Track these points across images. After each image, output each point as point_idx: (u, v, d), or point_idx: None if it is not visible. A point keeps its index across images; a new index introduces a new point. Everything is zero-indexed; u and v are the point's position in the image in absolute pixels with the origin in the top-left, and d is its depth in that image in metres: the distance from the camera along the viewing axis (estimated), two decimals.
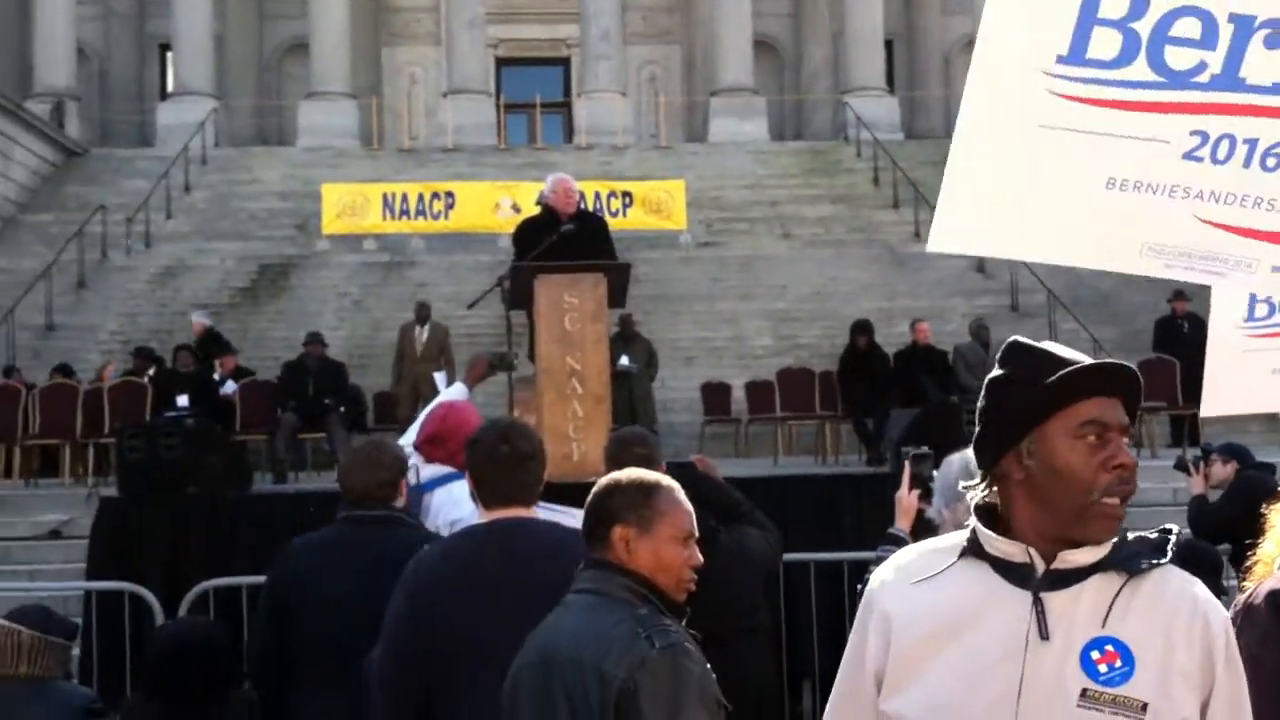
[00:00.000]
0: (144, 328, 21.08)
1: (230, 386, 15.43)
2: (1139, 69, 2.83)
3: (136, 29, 35.80)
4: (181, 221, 25.68)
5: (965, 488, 2.20)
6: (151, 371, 16.30)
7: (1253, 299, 3.79)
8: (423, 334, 16.28)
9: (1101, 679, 1.96)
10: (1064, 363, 2.07)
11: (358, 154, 29.30)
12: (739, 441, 16.71)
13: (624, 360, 15.84)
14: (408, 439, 5.41)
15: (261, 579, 4.85)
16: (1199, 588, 2.09)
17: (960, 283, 22.47)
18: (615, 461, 4.53)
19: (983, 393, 2.16)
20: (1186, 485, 8.00)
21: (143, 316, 21.71)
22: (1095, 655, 1.97)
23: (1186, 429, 14.36)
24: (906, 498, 4.79)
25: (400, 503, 4.50)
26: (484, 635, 3.41)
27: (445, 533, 4.73)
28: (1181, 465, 7.94)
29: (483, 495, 3.73)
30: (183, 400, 14.14)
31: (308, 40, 31.98)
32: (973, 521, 2.12)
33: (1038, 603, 1.99)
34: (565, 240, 9.21)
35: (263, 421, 14.97)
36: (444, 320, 17.07)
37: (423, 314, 16.47)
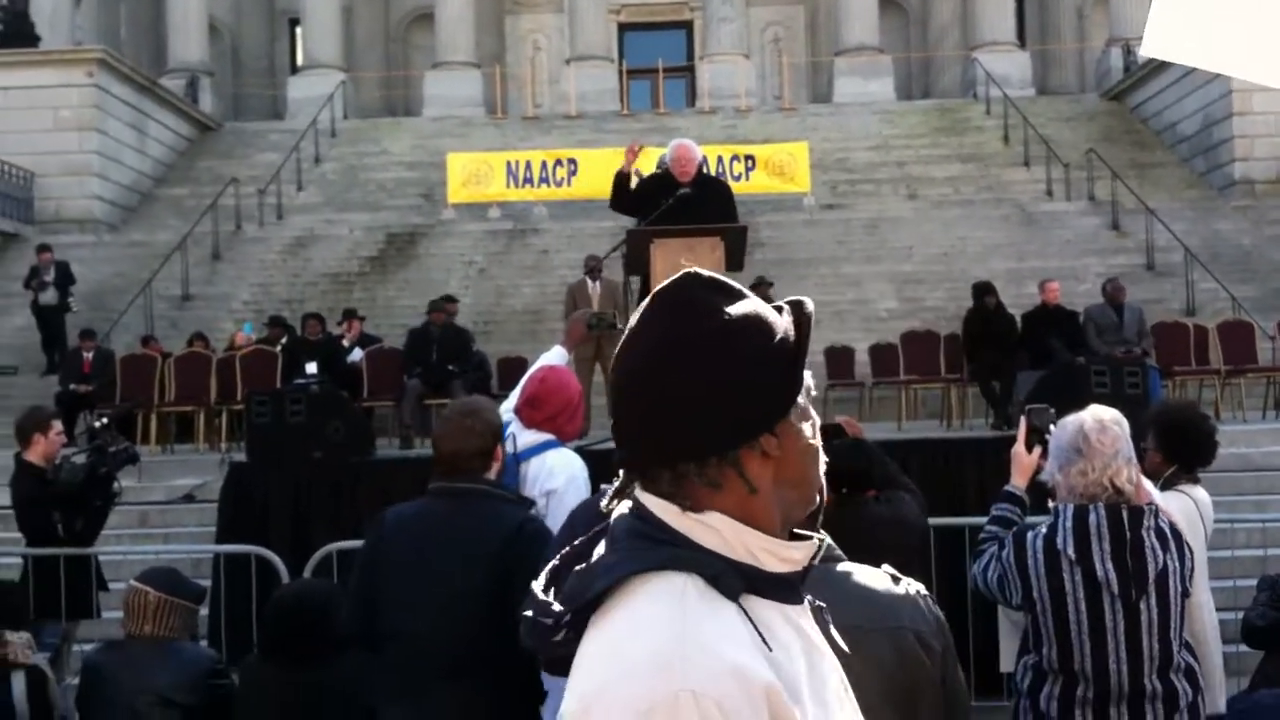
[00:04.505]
0: (276, 297, 21.53)
1: (357, 354, 15.68)
2: None
3: (266, 4, 36.48)
4: (312, 193, 26.15)
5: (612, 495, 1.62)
6: (284, 340, 16.64)
7: None
8: (596, 288, 15.37)
9: None
10: (761, 307, 1.60)
11: (482, 123, 29.51)
12: (863, 406, 16.50)
13: None
14: (508, 404, 5.36)
15: None
16: None
17: (1094, 242, 21.88)
18: None
19: (713, 353, 1.54)
20: None
21: (275, 286, 22.17)
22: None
23: None
24: (1024, 454, 4.63)
25: (495, 471, 4.30)
26: None
27: (541, 503, 4.68)
28: None
29: None
30: (311, 368, 14.39)
31: (433, 10, 32.26)
32: (733, 536, 1.55)
33: (821, 612, 1.64)
34: (683, 204, 9.13)
35: (389, 388, 15.19)
36: (563, 285, 17.05)
37: (593, 266, 15.38)
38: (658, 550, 1.52)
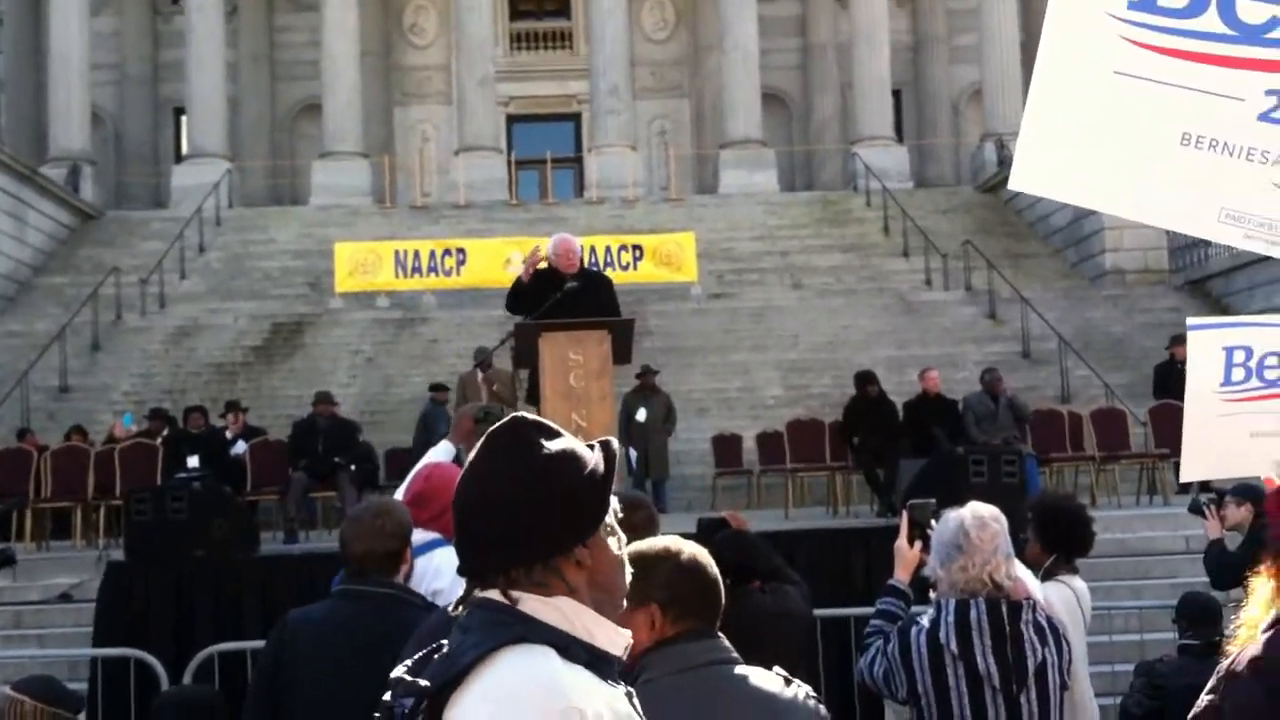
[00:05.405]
0: (157, 388, 21.15)
1: (240, 446, 15.46)
2: (1209, 20, 2.76)
3: (150, 93, 36.17)
4: (196, 282, 25.83)
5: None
6: (165, 432, 16.34)
7: (1229, 361, 3.71)
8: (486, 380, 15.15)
9: None
10: (576, 445, 1.96)
11: (370, 212, 29.45)
12: (751, 493, 16.64)
13: (641, 413, 15.91)
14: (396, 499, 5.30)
15: None
16: None
17: (971, 330, 22.42)
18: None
19: (535, 482, 1.89)
20: (1202, 530, 7.84)
21: (157, 377, 21.79)
22: None
23: None
24: (907, 548, 4.71)
25: (404, 573, 4.27)
26: None
27: None
28: (1196, 509, 7.73)
29: None
30: (193, 461, 14.15)
31: (320, 100, 32.25)
32: (573, 614, 1.87)
33: (630, 698, 1.92)
34: (570, 297, 9.22)
35: (274, 481, 14.99)
36: (452, 375, 17.03)
37: (483, 360, 15.28)
38: (512, 627, 1.83)
